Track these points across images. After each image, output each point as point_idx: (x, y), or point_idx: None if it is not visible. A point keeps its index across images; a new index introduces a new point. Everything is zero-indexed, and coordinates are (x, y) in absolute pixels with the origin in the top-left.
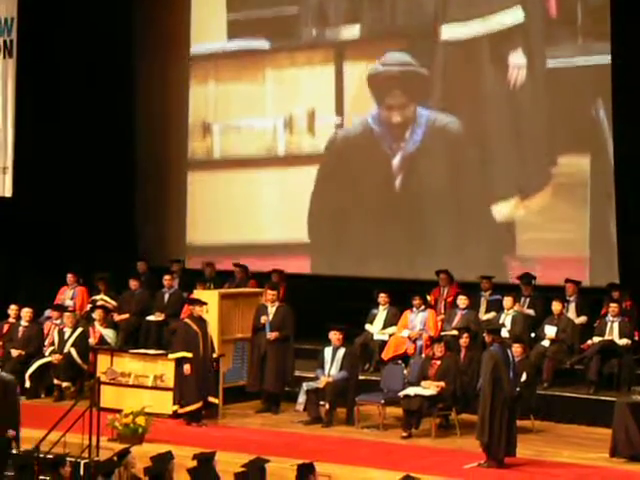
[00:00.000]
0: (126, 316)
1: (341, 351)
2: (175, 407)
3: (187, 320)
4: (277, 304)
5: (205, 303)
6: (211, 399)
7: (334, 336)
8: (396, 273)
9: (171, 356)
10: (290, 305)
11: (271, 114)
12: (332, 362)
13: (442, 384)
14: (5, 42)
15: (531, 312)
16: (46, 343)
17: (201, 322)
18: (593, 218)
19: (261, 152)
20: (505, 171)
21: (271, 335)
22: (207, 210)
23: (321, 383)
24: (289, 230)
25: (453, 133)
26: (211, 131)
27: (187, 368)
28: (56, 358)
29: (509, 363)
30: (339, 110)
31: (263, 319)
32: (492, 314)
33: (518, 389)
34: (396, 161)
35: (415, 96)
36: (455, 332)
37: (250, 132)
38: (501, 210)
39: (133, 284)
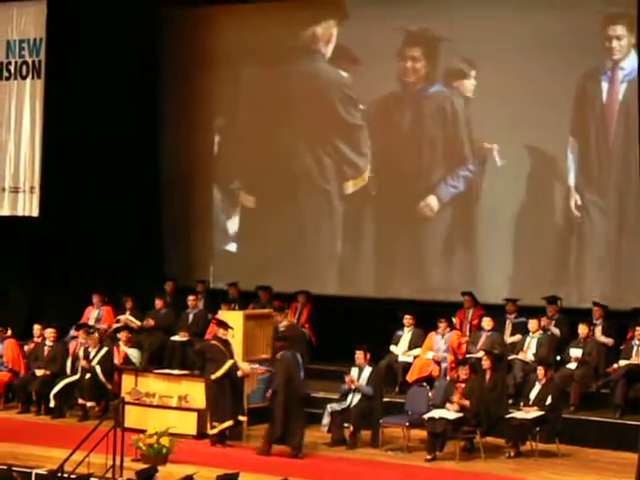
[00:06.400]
0: (152, 323)
1: (367, 370)
2: (216, 429)
3: (214, 342)
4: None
5: (231, 327)
6: (240, 417)
7: (359, 356)
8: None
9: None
10: (316, 326)
11: None
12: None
13: (465, 402)
14: (34, 63)
15: (557, 331)
16: (68, 363)
17: (226, 344)
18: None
19: None
20: None
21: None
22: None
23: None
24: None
25: None
26: None
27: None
28: (85, 369)
29: (299, 366)
30: None
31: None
32: (517, 337)
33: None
34: None
35: None
36: (480, 354)
37: None
38: None
39: (158, 303)
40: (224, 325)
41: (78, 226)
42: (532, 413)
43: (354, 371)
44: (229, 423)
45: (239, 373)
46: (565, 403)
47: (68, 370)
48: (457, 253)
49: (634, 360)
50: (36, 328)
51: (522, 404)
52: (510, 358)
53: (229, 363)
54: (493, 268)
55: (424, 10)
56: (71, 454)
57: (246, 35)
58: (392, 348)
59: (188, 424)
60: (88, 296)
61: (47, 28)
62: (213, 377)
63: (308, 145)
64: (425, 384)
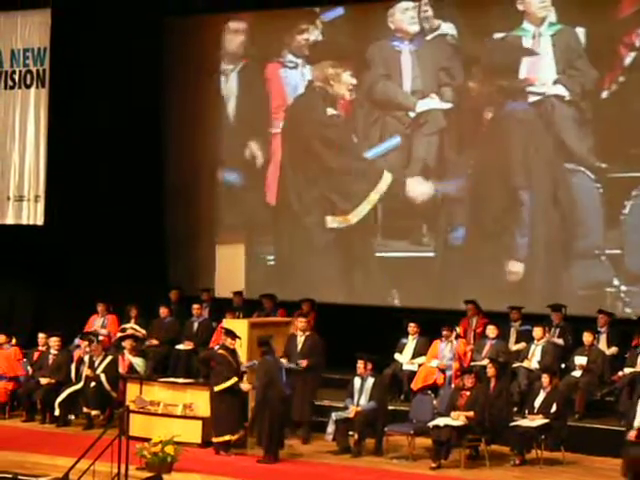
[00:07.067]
0: (155, 342)
1: (370, 381)
2: (220, 439)
3: (221, 351)
4: (307, 333)
5: (239, 337)
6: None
7: (360, 365)
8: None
9: (220, 387)
10: (320, 334)
11: None
12: (361, 392)
13: (470, 414)
14: (38, 72)
15: (560, 341)
16: (73, 371)
17: (233, 353)
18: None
19: None
20: None
21: (302, 362)
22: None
23: (350, 413)
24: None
25: None
26: None
27: (246, 387)
28: (90, 377)
29: (281, 369)
30: None
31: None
32: (522, 344)
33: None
34: None
35: None
36: (485, 362)
37: None
38: None
39: (163, 312)
40: (232, 335)
41: (82, 235)
42: (537, 421)
43: (357, 381)
44: (236, 436)
45: (243, 388)
46: (570, 411)
47: (73, 378)
48: (460, 260)
49: (639, 368)
50: (41, 337)
51: (527, 412)
52: (515, 366)
53: (232, 381)
54: (497, 276)
55: None
56: (76, 462)
57: (249, 43)
58: (397, 356)
59: (193, 432)
60: (93, 305)
61: (51, 37)
62: (216, 389)
63: (312, 147)
64: (430, 392)
